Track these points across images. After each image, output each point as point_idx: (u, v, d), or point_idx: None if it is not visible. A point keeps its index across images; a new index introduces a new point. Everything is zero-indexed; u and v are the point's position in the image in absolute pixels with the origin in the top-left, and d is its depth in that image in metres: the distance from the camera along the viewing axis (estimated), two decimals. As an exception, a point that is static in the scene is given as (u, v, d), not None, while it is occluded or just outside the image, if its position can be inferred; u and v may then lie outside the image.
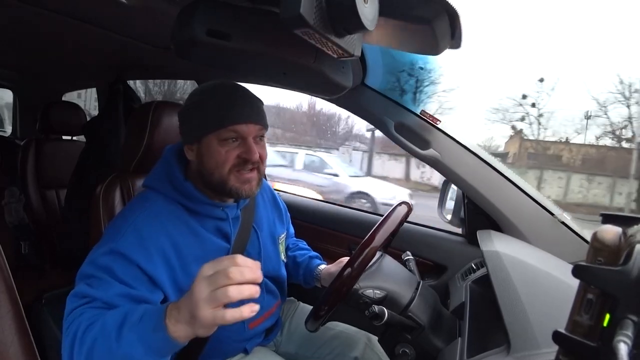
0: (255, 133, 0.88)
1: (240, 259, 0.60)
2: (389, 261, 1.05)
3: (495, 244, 0.99)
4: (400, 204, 1.04)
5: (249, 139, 0.87)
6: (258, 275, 0.60)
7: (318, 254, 1.26)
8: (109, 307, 0.73)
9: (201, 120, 0.86)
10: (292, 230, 1.32)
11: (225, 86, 0.91)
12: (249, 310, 0.59)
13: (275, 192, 1.23)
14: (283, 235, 1.16)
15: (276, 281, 1.10)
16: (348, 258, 0.93)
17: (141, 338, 0.64)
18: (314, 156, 7.82)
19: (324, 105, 12.88)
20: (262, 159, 0.89)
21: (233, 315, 0.59)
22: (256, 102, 0.90)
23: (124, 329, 0.66)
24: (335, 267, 1.12)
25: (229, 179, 0.86)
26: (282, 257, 1.14)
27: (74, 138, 2.16)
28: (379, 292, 0.93)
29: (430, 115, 1.26)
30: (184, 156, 0.93)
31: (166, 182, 0.90)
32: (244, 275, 0.59)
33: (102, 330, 0.67)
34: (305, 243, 1.32)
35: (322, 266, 1.18)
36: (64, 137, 2.13)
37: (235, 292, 0.58)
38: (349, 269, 0.89)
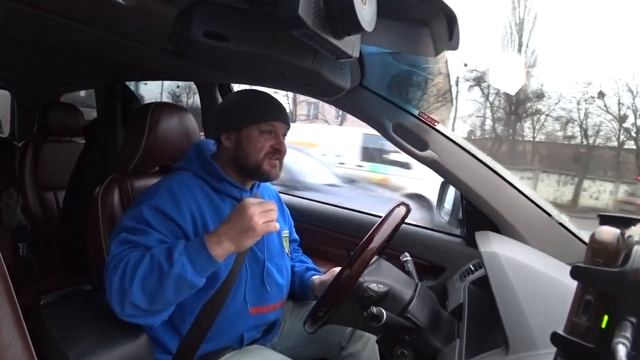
0: (283, 131, 1.08)
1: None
2: (386, 265, 1.05)
3: (494, 245, 0.99)
4: (398, 205, 1.04)
5: (280, 134, 1.06)
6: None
7: (316, 267, 1.30)
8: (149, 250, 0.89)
9: (246, 113, 1.05)
10: (295, 236, 1.35)
11: (263, 91, 1.13)
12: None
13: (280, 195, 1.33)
14: (286, 231, 1.24)
15: (281, 272, 1.14)
16: (339, 268, 0.95)
17: (190, 259, 0.84)
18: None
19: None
20: (285, 151, 1.08)
21: (276, 226, 0.89)
22: (284, 107, 1.11)
23: (174, 254, 0.85)
24: (327, 276, 1.17)
25: (263, 163, 1.05)
26: (286, 251, 1.20)
27: (72, 139, 2.16)
28: (382, 286, 0.93)
29: (429, 116, 1.26)
30: (209, 148, 1.13)
31: (195, 163, 1.08)
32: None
33: (152, 261, 0.86)
34: (309, 259, 1.35)
35: (316, 277, 1.22)
36: (62, 139, 2.12)
37: (275, 214, 0.89)
38: (347, 270, 0.89)
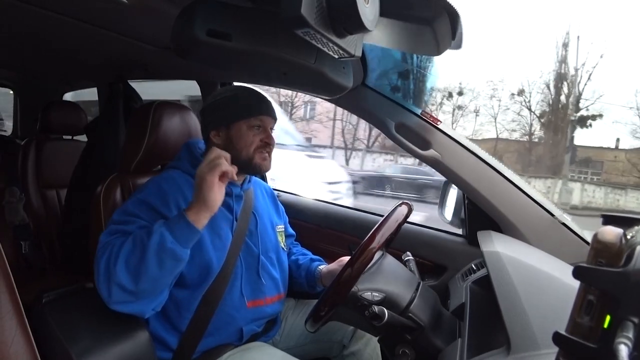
0: (271, 124, 1.12)
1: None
2: (389, 261, 1.05)
3: (496, 245, 0.99)
4: (400, 204, 1.04)
5: (268, 128, 1.10)
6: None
7: (320, 257, 1.29)
8: None
9: (234, 109, 1.08)
10: (291, 231, 1.35)
11: (249, 87, 1.16)
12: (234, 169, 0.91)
13: (275, 191, 1.33)
14: (281, 226, 1.27)
15: (276, 265, 1.16)
16: (349, 257, 0.93)
17: (169, 228, 0.88)
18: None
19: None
20: (274, 144, 1.11)
21: (227, 168, 0.89)
22: (270, 102, 1.13)
23: (154, 227, 0.88)
24: (335, 265, 1.16)
25: (254, 157, 1.08)
26: (282, 245, 1.21)
27: (75, 138, 2.16)
28: (377, 294, 0.92)
29: (431, 116, 1.25)
30: (198, 147, 1.15)
31: (185, 161, 1.11)
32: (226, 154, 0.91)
33: (134, 239, 0.89)
34: (310, 253, 1.35)
35: (322, 266, 1.21)
36: (65, 137, 2.12)
37: (222, 162, 0.89)
38: (349, 269, 0.88)
